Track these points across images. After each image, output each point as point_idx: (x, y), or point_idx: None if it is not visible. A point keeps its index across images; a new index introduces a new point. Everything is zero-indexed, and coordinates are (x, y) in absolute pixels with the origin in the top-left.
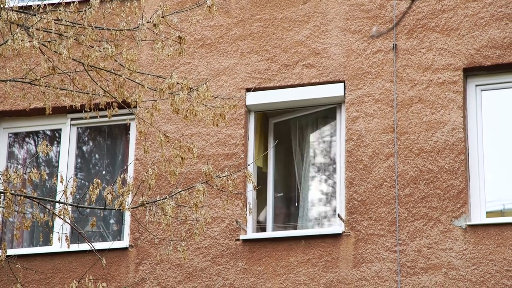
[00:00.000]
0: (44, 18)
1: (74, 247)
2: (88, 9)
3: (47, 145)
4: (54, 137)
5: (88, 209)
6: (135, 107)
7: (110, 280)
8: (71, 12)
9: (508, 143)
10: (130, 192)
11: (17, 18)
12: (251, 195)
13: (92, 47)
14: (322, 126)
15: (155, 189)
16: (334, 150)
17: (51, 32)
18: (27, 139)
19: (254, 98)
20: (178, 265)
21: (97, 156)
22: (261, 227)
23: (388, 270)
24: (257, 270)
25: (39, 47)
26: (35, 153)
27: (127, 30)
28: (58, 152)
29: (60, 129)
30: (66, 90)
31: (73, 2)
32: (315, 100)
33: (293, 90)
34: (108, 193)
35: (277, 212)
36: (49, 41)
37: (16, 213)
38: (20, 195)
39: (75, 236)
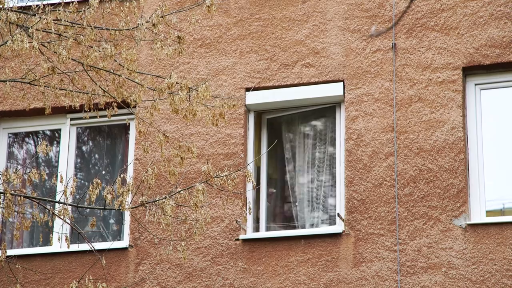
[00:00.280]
0: (44, 19)
1: (74, 247)
2: (87, 9)
3: (46, 145)
4: (53, 137)
5: (88, 209)
6: (134, 107)
7: (110, 280)
8: (70, 12)
9: (507, 142)
10: (130, 192)
11: (16, 19)
12: (250, 194)
13: (92, 47)
14: (315, 122)
15: (154, 189)
16: (327, 147)
17: (50, 33)
18: (26, 139)
19: (254, 98)
20: (178, 265)
21: (96, 156)
22: (256, 226)
23: (388, 270)
24: (257, 270)
25: (38, 47)
26: (35, 153)
27: (126, 30)
28: (58, 152)
29: (60, 129)
30: (66, 90)
31: (72, 2)
32: (314, 99)
33: (292, 90)
34: (107, 193)
35: (274, 211)
36: (48, 42)
37: (16, 213)
38: (20, 195)
39: (75, 236)
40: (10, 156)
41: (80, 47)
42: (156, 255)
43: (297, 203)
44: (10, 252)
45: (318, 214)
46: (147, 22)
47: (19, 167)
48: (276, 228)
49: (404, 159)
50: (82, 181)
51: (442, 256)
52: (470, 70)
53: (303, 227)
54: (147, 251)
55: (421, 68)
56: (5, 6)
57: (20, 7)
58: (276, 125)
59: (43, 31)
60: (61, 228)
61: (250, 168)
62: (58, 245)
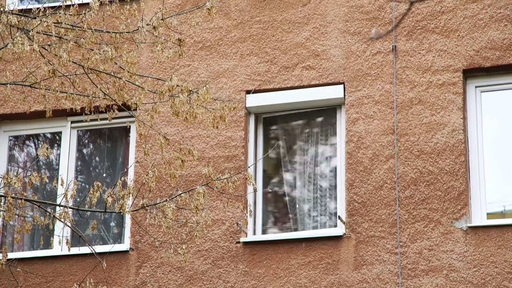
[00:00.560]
0: (44, 21)
1: (75, 250)
2: (88, 12)
3: (47, 148)
4: (54, 140)
5: (89, 212)
6: (135, 109)
7: (110, 284)
8: (71, 15)
9: (508, 144)
10: (131, 195)
11: (17, 22)
12: (251, 197)
13: (92, 50)
14: (316, 125)
15: (155, 191)
16: (327, 149)
17: (51, 35)
18: (27, 142)
19: (254, 100)
20: (178, 268)
21: (97, 158)
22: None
23: (389, 272)
24: (258, 273)
25: (39, 50)
26: (36, 156)
27: (127, 32)
28: (59, 155)
29: (61, 132)
30: (66, 93)
31: (72, 5)
32: (315, 102)
33: (292, 92)
34: (108, 196)
35: (274, 214)
36: (49, 44)
37: (16, 216)
38: (21, 199)
39: (76, 239)
40: (11, 159)
41: (80, 50)
42: (157, 258)
43: (297, 206)
44: (11, 255)
45: (319, 216)
46: (147, 24)
47: (20, 170)
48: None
49: (405, 161)
50: (83, 184)
51: (443, 258)
52: (471, 73)
53: (303, 229)
54: (148, 254)
55: (421, 71)
56: (6, 9)
57: (21, 10)
58: (276, 127)
59: (43, 34)
60: (62, 231)
61: (251, 170)
62: (59, 248)
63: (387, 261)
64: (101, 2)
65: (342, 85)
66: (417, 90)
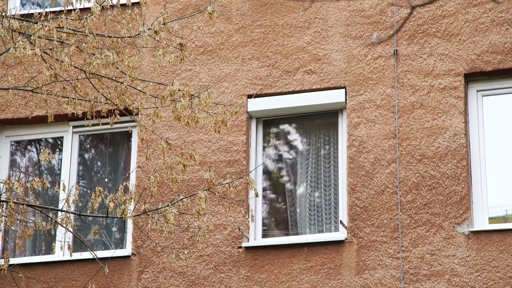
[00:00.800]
0: (46, 26)
1: (77, 255)
2: (89, 16)
3: (49, 153)
4: (56, 145)
5: (91, 217)
6: (136, 114)
7: None
8: (73, 19)
9: (510, 148)
10: (132, 200)
11: (19, 26)
12: (253, 202)
13: (94, 54)
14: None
15: (157, 196)
16: (329, 153)
17: (52, 40)
18: (29, 147)
19: (256, 105)
20: (180, 273)
21: (99, 163)
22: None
23: (391, 277)
24: (259, 278)
25: (41, 54)
26: (37, 161)
27: (128, 37)
28: (60, 160)
29: (62, 137)
30: (68, 97)
31: (74, 10)
32: (316, 106)
33: (294, 96)
34: (110, 201)
35: (276, 218)
36: (50, 49)
37: (18, 221)
38: (23, 204)
39: (78, 244)
40: (13, 164)
41: (82, 55)
42: (158, 263)
43: (297, 209)
44: (13, 260)
45: (320, 221)
46: (149, 29)
47: (22, 175)
48: (277, 235)
49: (407, 165)
50: (85, 189)
51: (445, 263)
52: (472, 77)
53: (304, 233)
54: (149, 259)
55: (423, 75)
56: (8, 14)
57: (23, 15)
58: (278, 132)
59: (45, 38)
60: (63, 236)
61: (253, 175)
62: (60, 253)
63: (389, 266)
64: (102, 6)
65: (344, 89)
66: (419, 94)
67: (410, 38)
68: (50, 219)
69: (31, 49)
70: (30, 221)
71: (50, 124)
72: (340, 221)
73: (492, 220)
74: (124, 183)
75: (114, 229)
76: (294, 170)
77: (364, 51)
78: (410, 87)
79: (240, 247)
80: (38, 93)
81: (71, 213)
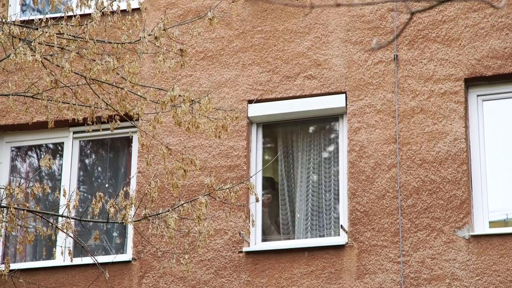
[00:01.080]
0: (46, 32)
1: (77, 261)
2: (90, 22)
3: (49, 159)
4: (56, 151)
5: (91, 222)
6: (137, 120)
7: None
8: (73, 25)
9: (510, 152)
10: (133, 205)
11: (19, 32)
12: (253, 207)
13: (94, 60)
14: (318, 134)
15: (157, 201)
16: (329, 159)
17: (53, 46)
18: (29, 152)
19: (256, 110)
20: (181, 278)
21: (99, 169)
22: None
23: (392, 281)
24: (260, 282)
25: (41, 61)
26: (38, 167)
27: (128, 43)
28: (61, 165)
29: (63, 143)
30: (68, 103)
31: (74, 16)
32: (316, 111)
33: (294, 102)
34: (110, 206)
35: (276, 222)
36: (51, 55)
37: (19, 227)
38: (23, 209)
39: (78, 249)
40: (13, 169)
41: (82, 61)
42: (159, 268)
43: (297, 215)
44: (14, 266)
45: (321, 226)
46: (149, 35)
47: (22, 180)
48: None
49: (407, 170)
50: (85, 195)
51: (445, 267)
52: (472, 81)
53: (304, 237)
54: (150, 264)
55: (423, 80)
56: (8, 20)
57: (23, 21)
58: (278, 137)
59: (45, 44)
60: (64, 241)
61: (253, 180)
62: (61, 258)
63: (389, 270)
64: (103, 13)
65: (344, 95)
66: (419, 99)
67: (410, 43)
68: (50, 224)
69: (31, 55)
70: (31, 226)
71: (51, 130)
72: (341, 225)
73: (492, 224)
74: (124, 189)
75: (114, 234)
76: (295, 174)
77: (364, 56)
78: (410, 92)
79: (241, 251)
80: (39, 99)
81: (72, 218)
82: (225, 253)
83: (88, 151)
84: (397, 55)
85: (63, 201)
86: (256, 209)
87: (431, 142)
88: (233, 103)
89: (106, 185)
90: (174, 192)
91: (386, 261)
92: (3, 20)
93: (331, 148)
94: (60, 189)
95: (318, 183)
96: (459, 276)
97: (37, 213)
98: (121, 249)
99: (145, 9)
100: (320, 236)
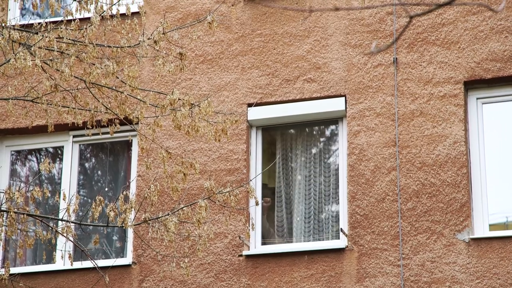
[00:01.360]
0: (46, 37)
1: (77, 264)
2: (89, 26)
3: (49, 163)
4: (56, 154)
5: (91, 226)
6: (137, 123)
7: None
8: (72, 30)
9: (509, 155)
10: (133, 209)
11: (19, 37)
12: (253, 210)
13: (94, 64)
14: (317, 137)
15: (157, 205)
16: (329, 162)
17: (53, 50)
18: (29, 156)
19: (256, 113)
20: (181, 281)
21: (99, 173)
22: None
23: (392, 285)
24: (260, 286)
25: (41, 65)
26: (38, 171)
27: (128, 47)
28: (61, 169)
29: (62, 146)
30: (68, 107)
31: (74, 20)
32: (316, 114)
33: (294, 105)
34: (110, 210)
35: (276, 225)
36: (51, 59)
37: (19, 231)
38: (23, 213)
39: (78, 253)
40: (13, 173)
41: (82, 65)
42: (159, 272)
43: (297, 218)
44: (14, 270)
45: (321, 229)
46: (148, 39)
47: (22, 184)
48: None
49: (407, 173)
50: (85, 198)
51: (445, 270)
52: (472, 84)
53: (304, 241)
54: (150, 268)
55: (422, 83)
56: (8, 24)
57: (23, 25)
58: (278, 140)
59: (45, 49)
60: (64, 245)
61: (253, 184)
62: (61, 262)
63: (389, 273)
64: (102, 17)
65: (344, 98)
66: (419, 102)
67: (410, 46)
68: (50, 228)
69: (31, 60)
70: (31, 230)
71: (50, 134)
72: (341, 229)
73: (492, 227)
74: (124, 192)
75: (114, 238)
76: (294, 178)
77: (364, 59)
78: (410, 95)
79: (241, 255)
80: (38, 103)
81: (72, 222)
82: (225, 257)
83: (88, 155)
84: (396, 58)
85: (63, 205)
86: (256, 213)
87: (430, 145)
88: (232, 107)
89: (106, 189)
90: (174, 196)
91: (386, 264)
92: (3, 25)
93: (330, 151)
94: (60, 193)
95: (318, 186)
96: (459, 279)
97: (37, 217)
98: (121, 253)
99: (145, 13)
100: (319, 240)
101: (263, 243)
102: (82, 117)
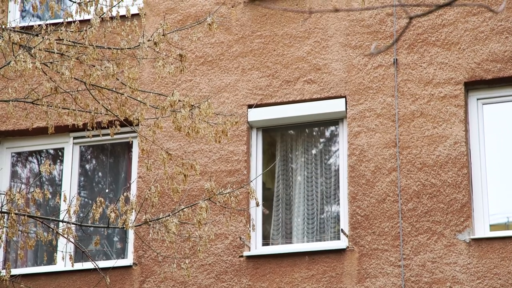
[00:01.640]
0: (46, 39)
1: (78, 266)
2: (89, 28)
3: (50, 165)
4: (57, 156)
5: (92, 227)
6: (137, 125)
7: None
8: (72, 31)
9: (510, 155)
10: (133, 210)
11: (19, 39)
12: (254, 211)
13: (94, 66)
14: (318, 138)
15: (158, 206)
16: (330, 162)
17: (53, 52)
18: (30, 158)
19: (256, 115)
20: (182, 282)
21: (100, 174)
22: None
23: (393, 285)
24: (261, 287)
25: (41, 67)
26: (38, 173)
27: (128, 48)
28: (61, 171)
29: (63, 148)
30: (68, 109)
31: (74, 22)
32: (316, 115)
33: (294, 106)
34: (111, 212)
35: (277, 226)
36: (51, 62)
37: (20, 232)
38: (24, 215)
39: (79, 255)
40: (14, 175)
41: (82, 66)
42: (160, 273)
43: (297, 219)
44: (15, 271)
45: (322, 230)
46: (148, 40)
47: (23, 186)
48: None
49: (407, 174)
50: (86, 200)
51: (446, 271)
52: (472, 85)
53: (305, 241)
54: (151, 269)
55: (423, 83)
56: (8, 27)
57: (23, 28)
58: (278, 141)
59: (45, 51)
60: (65, 247)
61: (253, 185)
62: (62, 264)
63: (390, 273)
64: (102, 18)
65: (344, 99)
66: (419, 103)
67: (410, 47)
68: (51, 229)
69: (31, 62)
70: (32, 232)
71: (51, 136)
72: (341, 229)
73: (493, 227)
74: (125, 194)
75: (115, 239)
76: (295, 179)
77: (364, 60)
78: (410, 96)
79: (242, 256)
80: (39, 104)
81: (72, 223)
82: (226, 258)
83: (89, 157)
84: (396, 59)
85: (63, 206)
86: (257, 214)
87: (431, 145)
88: (233, 108)
89: (107, 190)
90: (175, 197)
91: (387, 265)
92: (3, 27)
93: (331, 152)
94: (60, 195)
95: (318, 187)
96: (460, 279)
97: (37, 219)
98: (122, 254)
99: (145, 14)
100: (320, 240)
101: (264, 244)
102: (83, 119)
